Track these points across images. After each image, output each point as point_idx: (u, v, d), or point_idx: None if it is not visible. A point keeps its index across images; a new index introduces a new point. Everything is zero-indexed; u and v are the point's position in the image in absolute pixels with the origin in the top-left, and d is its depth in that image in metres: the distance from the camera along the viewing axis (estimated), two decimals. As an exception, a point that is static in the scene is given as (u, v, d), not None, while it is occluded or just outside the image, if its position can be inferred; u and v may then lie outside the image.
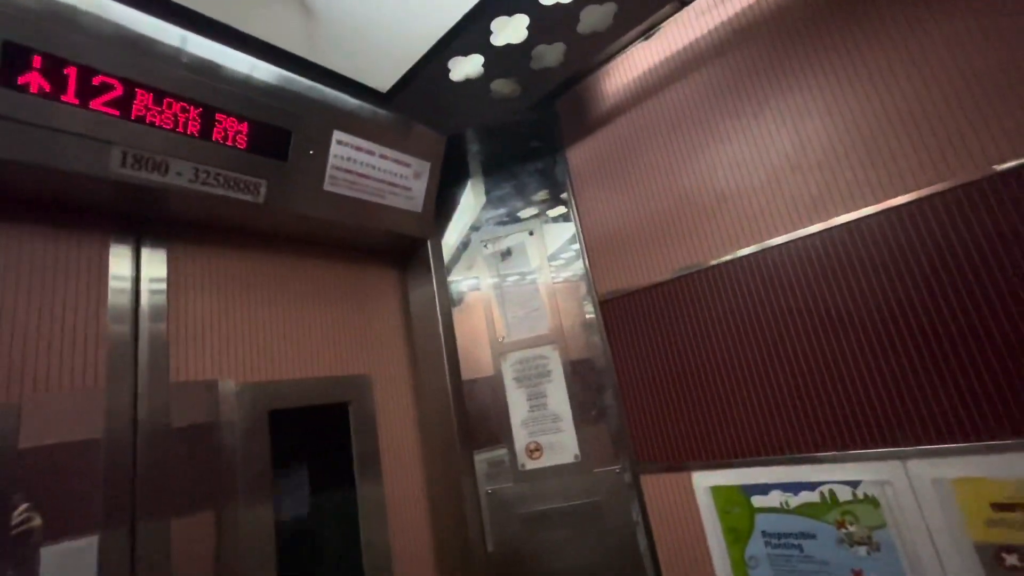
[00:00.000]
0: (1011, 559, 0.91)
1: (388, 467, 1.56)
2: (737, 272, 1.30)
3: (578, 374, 1.57)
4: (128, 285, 1.20)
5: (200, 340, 1.27)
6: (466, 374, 1.68)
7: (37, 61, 0.94)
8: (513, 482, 1.55)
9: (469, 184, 1.83)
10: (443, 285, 1.77)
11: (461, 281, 1.78)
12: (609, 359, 1.53)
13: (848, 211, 1.14)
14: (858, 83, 1.15)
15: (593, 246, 1.62)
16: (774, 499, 1.20)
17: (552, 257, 1.68)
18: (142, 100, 1.07)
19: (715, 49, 1.39)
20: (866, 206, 1.12)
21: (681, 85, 1.46)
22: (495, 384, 1.64)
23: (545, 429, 1.56)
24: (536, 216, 1.73)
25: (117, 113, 1.04)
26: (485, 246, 1.76)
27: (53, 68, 0.96)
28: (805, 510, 1.15)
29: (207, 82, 1.15)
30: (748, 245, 1.28)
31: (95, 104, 1.01)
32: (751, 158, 1.30)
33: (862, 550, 1.07)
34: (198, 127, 1.15)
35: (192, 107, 1.14)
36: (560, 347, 1.60)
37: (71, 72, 0.98)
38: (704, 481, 1.31)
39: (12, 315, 1.04)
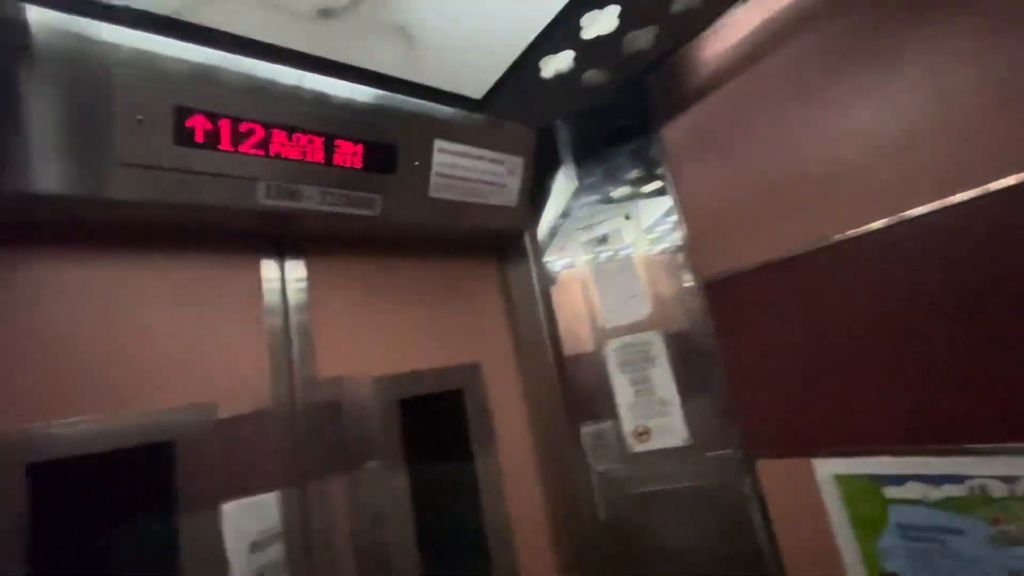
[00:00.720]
0: None
1: (502, 444, 1.70)
2: (866, 247, 1.19)
3: (684, 358, 1.56)
4: (277, 288, 1.41)
5: (339, 341, 1.47)
6: (568, 350, 1.75)
7: (200, 119, 1.11)
8: (622, 463, 1.61)
9: (560, 171, 1.83)
10: (541, 271, 1.84)
11: (556, 261, 1.82)
12: (716, 340, 1.50)
13: (1007, 175, 0.99)
14: (1018, 24, 0.98)
15: (694, 225, 1.56)
16: (911, 491, 1.12)
17: (648, 230, 1.65)
18: (277, 138, 1.22)
19: (829, 4, 1.24)
20: (1031, 168, 0.97)
21: (788, 47, 1.32)
22: (597, 361, 1.69)
23: (652, 413, 1.57)
24: (630, 198, 1.70)
25: (261, 152, 1.20)
26: (580, 233, 1.77)
27: (211, 122, 1.13)
28: (949, 504, 1.07)
29: (325, 113, 1.27)
30: (880, 218, 1.17)
31: (244, 148, 1.18)
32: (880, 121, 1.17)
33: (1022, 551, 0.98)
34: (322, 154, 1.29)
35: (316, 137, 1.27)
36: (663, 331, 1.59)
37: (224, 124, 1.14)
38: (827, 468, 1.26)
39: (197, 328, 1.27)
